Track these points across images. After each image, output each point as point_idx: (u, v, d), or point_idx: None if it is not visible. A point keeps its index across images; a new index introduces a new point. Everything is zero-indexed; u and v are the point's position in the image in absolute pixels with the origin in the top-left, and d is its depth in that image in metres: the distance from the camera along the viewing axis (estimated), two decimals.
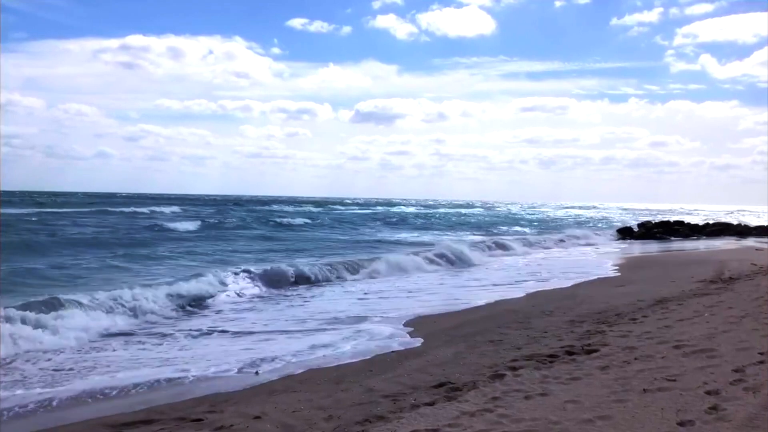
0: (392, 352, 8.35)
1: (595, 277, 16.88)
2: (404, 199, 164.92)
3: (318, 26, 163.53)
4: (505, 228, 46.29)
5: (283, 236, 32.67)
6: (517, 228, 46.49)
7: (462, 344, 8.48)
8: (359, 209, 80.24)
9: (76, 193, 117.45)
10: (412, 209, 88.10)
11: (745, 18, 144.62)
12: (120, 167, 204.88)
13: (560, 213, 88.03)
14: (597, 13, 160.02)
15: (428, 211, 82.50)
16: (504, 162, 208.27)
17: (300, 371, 7.50)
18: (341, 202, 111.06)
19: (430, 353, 8.04)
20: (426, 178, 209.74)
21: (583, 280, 16.30)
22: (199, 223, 38.25)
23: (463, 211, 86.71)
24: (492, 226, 48.06)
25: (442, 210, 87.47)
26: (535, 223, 55.24)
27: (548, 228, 46.34)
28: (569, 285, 15.25)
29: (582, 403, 5.30)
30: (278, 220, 45.86)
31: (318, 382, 6.88)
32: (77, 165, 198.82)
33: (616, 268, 19.71)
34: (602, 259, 23.49)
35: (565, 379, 6.10)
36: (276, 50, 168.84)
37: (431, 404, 5.61)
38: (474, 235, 37.41)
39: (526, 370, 6.61)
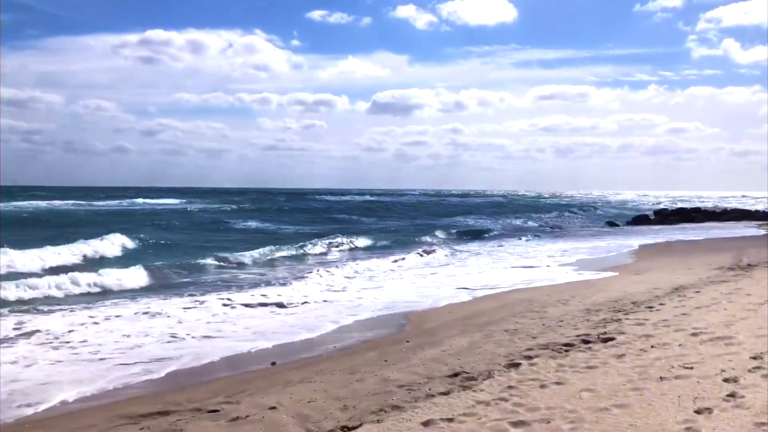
0: (408, 341, 8.36)
1: (613, 266, 16.79)
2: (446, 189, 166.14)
3: (338, 18, 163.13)
4: None
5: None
6: None
7: (477, 333, 8.46)
8: (467, 199, 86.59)
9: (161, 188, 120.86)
10: (499, 199, 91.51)
11: None
12: (138, 162, 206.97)
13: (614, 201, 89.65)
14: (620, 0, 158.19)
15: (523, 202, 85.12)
16: (520, 151, 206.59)
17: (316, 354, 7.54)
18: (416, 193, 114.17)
19: (445, 343, 8.03)
20: (441, 168, 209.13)
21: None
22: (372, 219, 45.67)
23: (564, 201, 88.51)
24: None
25: (522, 203, 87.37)
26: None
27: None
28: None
29: (598, 391, 5.27)
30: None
31: (333, 372, 6.90)
32: (96, 160, 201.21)
33: (633, 256, 19.57)
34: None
35: (581, 368, 6.07)
36: (295, 42, 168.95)
37: (446, 393, 5.61)
38: None
39: (541, 359, 6.58)
